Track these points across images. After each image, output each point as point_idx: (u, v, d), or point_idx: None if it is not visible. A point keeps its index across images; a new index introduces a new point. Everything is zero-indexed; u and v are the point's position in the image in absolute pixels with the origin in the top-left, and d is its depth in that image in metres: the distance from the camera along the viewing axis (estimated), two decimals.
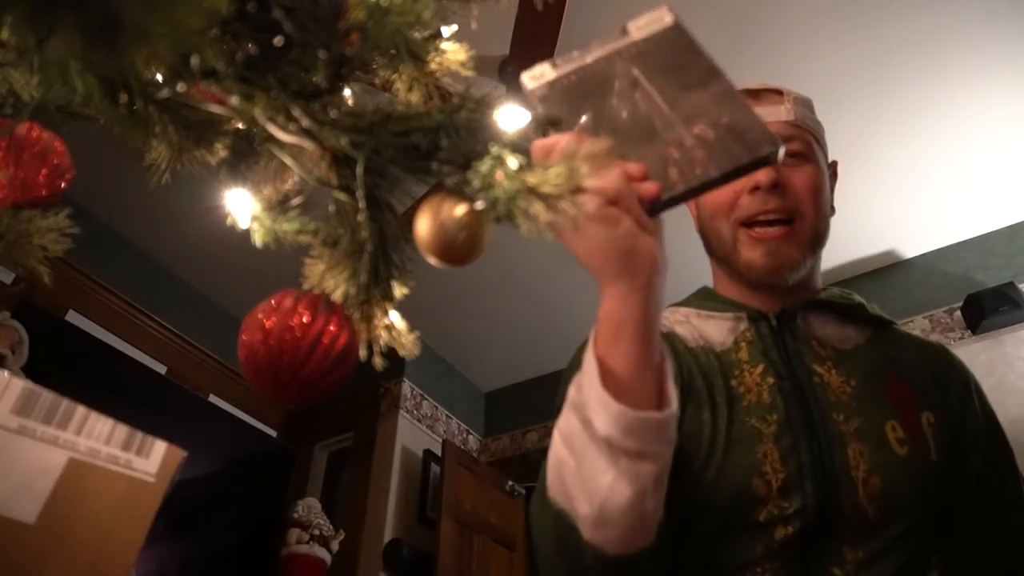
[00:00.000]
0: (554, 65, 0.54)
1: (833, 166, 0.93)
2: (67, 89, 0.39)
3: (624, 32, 0.55)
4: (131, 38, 0.25)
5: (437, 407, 3.40)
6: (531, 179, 0.35)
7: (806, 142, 0.83)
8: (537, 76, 0.53)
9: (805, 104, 0.88)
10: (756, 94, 0.87)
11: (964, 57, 2.23)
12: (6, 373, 0.41)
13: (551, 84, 0.53)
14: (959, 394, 0.80)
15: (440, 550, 2.73)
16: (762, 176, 0.78)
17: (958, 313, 2.71)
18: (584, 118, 0.50)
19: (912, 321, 2.81)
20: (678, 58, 0.55)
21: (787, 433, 0.72)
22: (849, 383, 0.76)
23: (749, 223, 0.80)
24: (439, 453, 3.12)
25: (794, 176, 0.81)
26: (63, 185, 0.52)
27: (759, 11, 2.10)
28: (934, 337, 2.72)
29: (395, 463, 2.97)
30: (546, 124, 0.43)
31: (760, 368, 0.77)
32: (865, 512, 0.69)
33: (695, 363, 0.79)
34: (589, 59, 0.54)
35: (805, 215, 0.80)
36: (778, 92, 0.87)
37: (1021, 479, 0.79)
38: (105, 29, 0.24)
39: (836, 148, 2.91)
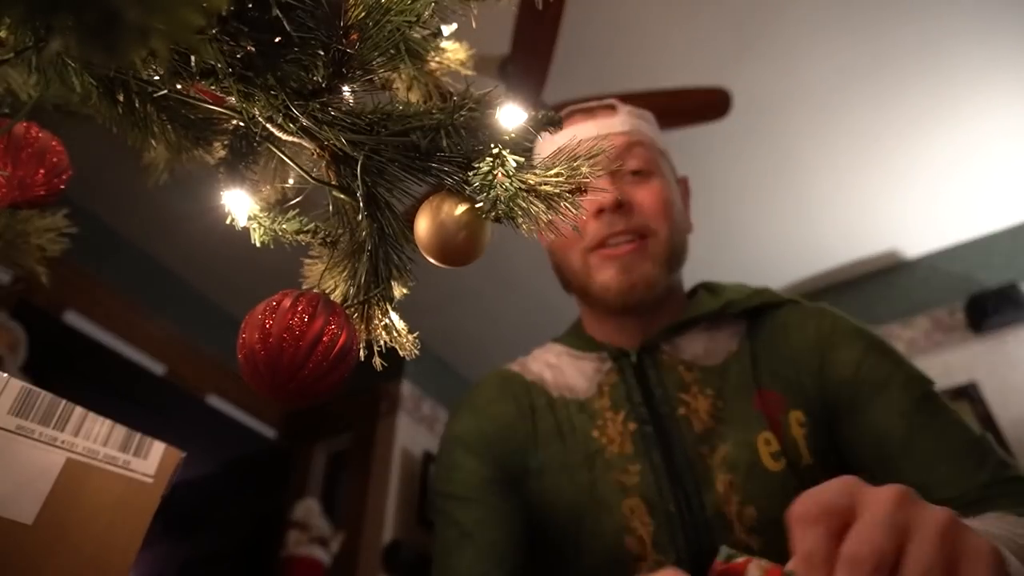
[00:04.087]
0: None
1: (684, 182, 0.89)
2: (65, 88, 0.38)
3: None
4: (130, 37, 0.25)
5: (437, 407, 3.39)
6: (531, 179, 0.35)
7: (645, 156, 0.80)
8: None
9: (643, 116, 0.85)
10: (590, 111, 0.84)
11: (968, 59, 2.23)
12: (4, 374, 0.41)
13: None
14: (819, 356, 0.74)
15: None
16: (604, 196, 0.75)
17: (961, 314, 2.71)
18: None
19: (914, 321, 2.81)
20: None
21: (651, 482, 0.70)
22: (717, 404, 0.73)
23: (599, 247, 0.77)
24: None
25: (638, 193, 0.78)
26: (61, 185, 0.52)
27: (764, 13, 2.10)
28: (936, 337, 2.72)
29: (395, 464, 2.97)
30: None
31: (622, 414, 0.75)
32: (748, 546, 0.66)
33: (554, 422, 0.77)
34: None
35: (657, 231, 0.77)
36: (611, 107, 0.84)
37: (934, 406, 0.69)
38: (104, 28, 0.24)
39: (838, 148, 2.91)
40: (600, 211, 0.76)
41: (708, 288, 0.86)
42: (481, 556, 0.70)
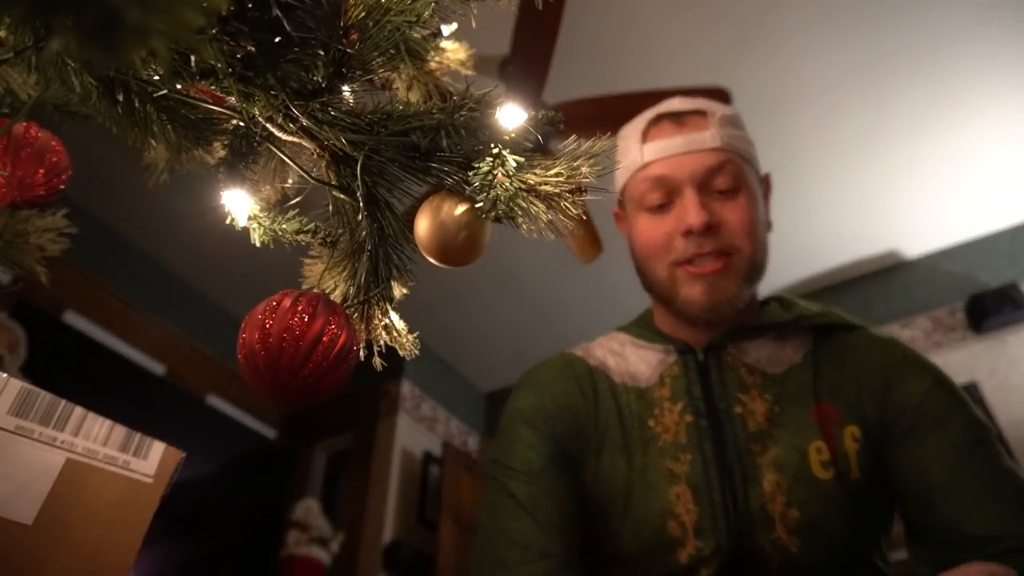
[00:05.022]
0: None
1: (766, 179, 0.90)
2: (65, 88, 0.38)
3: None
4: (130, 37, 0.25)
5: (437, 408, 3.39)
6: (531, 179, 0.35)
7: (735, 172, 0.81)
8: None
9: (732, 122, 0.85)
10: (679, 118, 0.84)
11: (967, 58, 2.23)
12: (4, 374, 0.41)
13: None
14: (885, 381, 0.76)
15: (440, 551, 2.73)
16: (693, 220, 0.77)
17: (961, 313, 2.71)
18: None
19: (914, 321, 2.81)
20: None
21: (700, 472, 0.73)
22: (774, 409, 0.76)
23: (685, 263, 0.79)
24: (439, 454, 3.12)
25: (726, 212, 0.79)
26: (61, 184, 0.52)
27: (764, 12, 2.10)
28: (936, 337, 2.72)
29: (395, 464, 2.97)
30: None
31: (680, 406, 0.78)
32: (787, 546, 0.68)
33: (615, 405, 0.80)
34: None
35: (742, 249, 0.79)
36: (702, 113, 0.84)
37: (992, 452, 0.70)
38: (103, 28, 0.24)
39: (838, 148, 2.91)
40: (689, 232, 0.78)
41: (780, 301, 0.89)
42: (538, 528, 0.72)
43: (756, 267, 0.81)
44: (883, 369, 0.77)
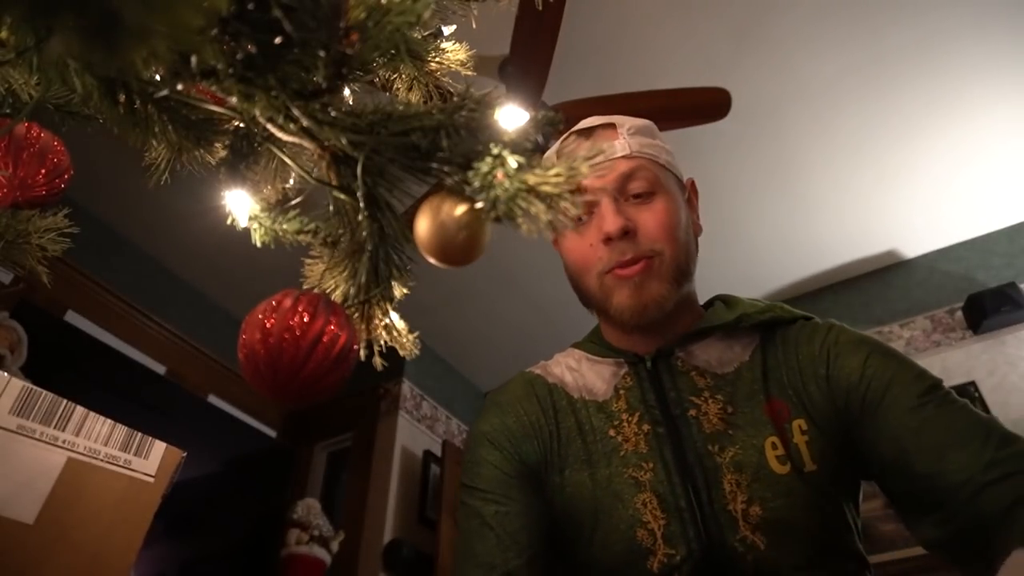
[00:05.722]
0: None
1: (690, 184, 0.91)
2: (66, 89, 0.39)
3: None
4: (130, 38, 0.25)
5: (437, 407, 3.39)
6: (531, 179, 0.35)
7: (648, 177, 0.82)
8: None
9: (643, 132, 0.86)
10: (589, 132, 0.85)
11: (966, 58, 2.23)
12: (5, 374, 0.41)
13: None
14: (824, 365, 0.77)
15: (440, 550, 2.73)
16: (610, 226, 0.78)
17: (959, 313, 2.71)
18: None
19: (913, 321, 2.81)
20: None
21: (663, 478, 0.74)
22: (727, 409, 0.77)
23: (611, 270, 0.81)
24: (439, 453, 3.12)
25: (642, 216, 0.80)
26: (62, 185, 0.52)
27: (763, 13, 2.10)
28: (935, 337, 2.73)
29: (395, 463, 2.97)
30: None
31: (637, 416, 0.79)
32: (756, 544, 0.68)
33: (575, 421, 0.82)
34: None
35: (663, 252, 0.80)
36: (611, 126, 0.85)
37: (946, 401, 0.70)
38: (104, 29, 0.24)
39: (838, 148, 2.91)
40: (608, 239, 0.79)
41: (724, 301, 0.90)
42: (502, 545, 0.73)
43: (680, 268, 0.81)
44: (821, 355, 0.78)
